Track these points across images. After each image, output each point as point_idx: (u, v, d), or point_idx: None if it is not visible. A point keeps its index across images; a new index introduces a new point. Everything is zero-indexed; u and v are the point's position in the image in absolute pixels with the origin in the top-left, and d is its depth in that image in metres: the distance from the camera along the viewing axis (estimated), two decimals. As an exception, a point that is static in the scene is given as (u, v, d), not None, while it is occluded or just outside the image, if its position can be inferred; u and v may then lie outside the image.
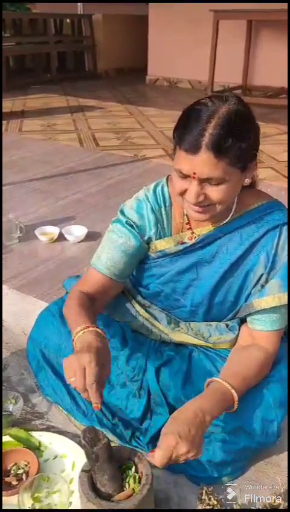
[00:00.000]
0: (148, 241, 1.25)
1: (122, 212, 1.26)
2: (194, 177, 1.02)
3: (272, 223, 1.16)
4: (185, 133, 1.02)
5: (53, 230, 2.31)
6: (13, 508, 1.07)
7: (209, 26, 5.21)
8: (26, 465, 1.16)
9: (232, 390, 1.07)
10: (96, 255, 1.27)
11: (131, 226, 1.23)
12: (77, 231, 2.31)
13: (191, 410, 1.01)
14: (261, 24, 5.83)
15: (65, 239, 2.27)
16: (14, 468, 1.16)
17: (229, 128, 1.00)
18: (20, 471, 1.15)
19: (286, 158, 3.68)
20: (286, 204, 1.23)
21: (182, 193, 1.08)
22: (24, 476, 1.14)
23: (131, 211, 1.24)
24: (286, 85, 5.79)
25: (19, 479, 1.14)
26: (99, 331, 1.08)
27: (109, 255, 1.24)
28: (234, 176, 1.05)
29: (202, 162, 1.00)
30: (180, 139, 1.03)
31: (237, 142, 1.01)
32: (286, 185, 3.09)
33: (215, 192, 1.05)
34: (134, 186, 1.31)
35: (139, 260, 1.28)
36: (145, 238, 1.24)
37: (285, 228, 1.16)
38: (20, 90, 6.19)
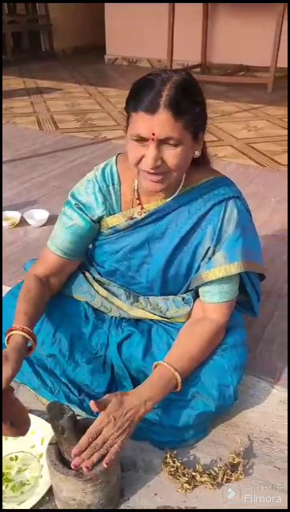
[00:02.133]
0: (100, 219, 1.28)
1: (72, 195, 1.29)
2: (152, 139, 1.04)
3: (218, 198, 1.20)
4: (140, 97, 1.03)
5: (14, 215, 2.30)
6: None
7: (167, 4, 5.16)
8: None
9: (176, 374, 1.13)
10: (51, 236, 1.32)
11: (80, 208, 1.27)
12: (38, 215, 2.31)
13: (134, 398, 1.07)
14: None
15: (27, 223, 2.27)
16: None
17: (184, 91, 1.03)
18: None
19: (245, 135, 3.74)
20: (234, 180, 1.28)
21: (138, 162, 1.09)
22: None
23: (80, 192, 1.27)
24: (244, 62, 5.84)
25: None
26: (25, 334, 1.13)
27: (61, 236, 1.29)
28: (188, 140, 1.07)
29: (161, 122, 1.02)
30: (136, 103, 1.04)
31: (192, 105, 1.05)
32: (244, 162, 3.16)
33: (172, 156, 1.06)
34: (95, 168, 1.32)
35: (92, 238, 1.33)
36: (95, 217, 1.27)
37: (231, 202, 1.20)
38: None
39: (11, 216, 2.30)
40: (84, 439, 1.01)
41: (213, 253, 1.21)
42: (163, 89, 1.02)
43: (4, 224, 2.25)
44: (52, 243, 1.31)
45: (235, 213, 1.20)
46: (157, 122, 1.02)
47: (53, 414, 1.01)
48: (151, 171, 1.08)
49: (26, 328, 1.14)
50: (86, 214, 1.27)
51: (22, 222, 2.28)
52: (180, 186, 1.19)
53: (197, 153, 1.14)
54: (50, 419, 1.01)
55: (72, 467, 0.98)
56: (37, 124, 4.01)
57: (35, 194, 2.62)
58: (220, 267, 1.19)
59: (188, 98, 1.04)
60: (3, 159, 3.11)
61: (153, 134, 1.03)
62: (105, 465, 0.98)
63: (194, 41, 5.96)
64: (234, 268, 1.19)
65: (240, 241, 1.20)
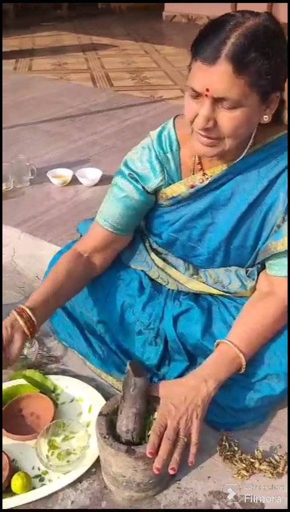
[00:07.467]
0: (157, 190, 1.15)
1: (125, 164, 1.16)
2: (207, 95, 0.90)
3: None
4: (204, 42, 0.89)
5: (66, 173, 2.21)
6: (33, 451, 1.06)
7: None
8: None
9: (241, 355, 1.02)
10: (99, 210, 1.21)
11: (134, 178, 1.14)
12: (91, 174, 2.21)
13: (192, 378, 1.01)
14: None
15: (79, 182, 2.18)
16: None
17: (255, 40, 0.87)
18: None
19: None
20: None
21: (192, 119, 0.96)
22: None
23: (134, 161, 1.14)
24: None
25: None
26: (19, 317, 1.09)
27: (110, 209, 1.17)
28: (251, 101, 0.91)
29: (219, 76, 0.88)
30: (197, 50, 0.91)
31: (261, 57, 0.88)
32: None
33: (227, 119, 0.92)
34: (150, 128, 1.18)
35: (146, 212, 1.21)
36: (151, 188, 1.14)
37: None
38: (28, 28, 5.87)
39: (62, 174, 2.22)
40: (152, 436, 0.93)
41: (283, 220, 1.06)
42: (230, 34, 0.87)
43: (55, 182, 2.17)
44: (101, 216, 1.19)
45: None
46: (215, 76, 0.88)
47: (132, 367, 0.97)
48: (203, 132, 0.94)
49: (25, 309, 1.09)
50: (141, 185, 1.14)
51: (74, 181, 2.19)
52: (248, 146, 1.02)
53: (265, 118, 0.97)
54: (127, 372, 0.97)
55: (155, 471, 0.91)
56: (91, 81, 3.88)
57: (86, 153, 2.53)
58: None
59: (259, 48, 0.87)
60: (53, 117, 3.03)
61: (208, 90, 0.89)
62: (190, 464, 0.95)
63: (260, -3, 5.54)
64: None
65: None
